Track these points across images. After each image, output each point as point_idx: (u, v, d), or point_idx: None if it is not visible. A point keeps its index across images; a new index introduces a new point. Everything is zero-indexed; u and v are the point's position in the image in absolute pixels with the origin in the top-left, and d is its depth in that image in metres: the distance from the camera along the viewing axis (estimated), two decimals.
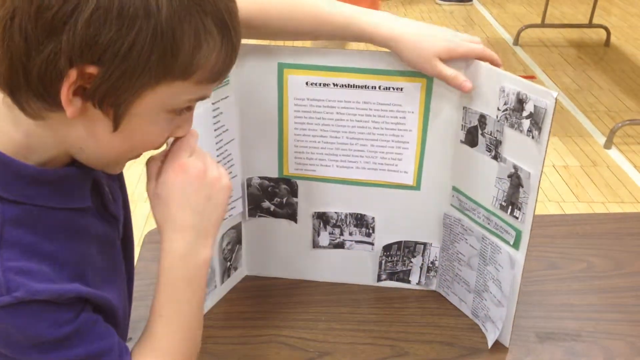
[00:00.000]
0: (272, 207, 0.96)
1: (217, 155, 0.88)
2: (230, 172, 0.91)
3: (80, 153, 0.60)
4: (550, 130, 0.75)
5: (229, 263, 0.97)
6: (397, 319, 0.94)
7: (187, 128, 0.65)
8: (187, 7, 0.53)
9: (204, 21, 0.54)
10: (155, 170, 0.65)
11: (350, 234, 0.97)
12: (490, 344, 0.89)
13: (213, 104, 0.84)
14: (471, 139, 0.85)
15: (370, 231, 0.96)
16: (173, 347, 0.65)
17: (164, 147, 0.66)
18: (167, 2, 0.51)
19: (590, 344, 0.90)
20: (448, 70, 0.79)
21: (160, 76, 0.54)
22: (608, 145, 2.91)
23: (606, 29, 4.13)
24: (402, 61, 0.81)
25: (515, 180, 0.80)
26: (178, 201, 0.64)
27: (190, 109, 0.62)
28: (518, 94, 0.76)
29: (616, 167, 2.77)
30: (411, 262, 0.98)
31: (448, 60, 0.80)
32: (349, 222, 0.96)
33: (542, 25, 4.19)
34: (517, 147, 0.79)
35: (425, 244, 0.96)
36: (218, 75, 0.59)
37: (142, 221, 2.20)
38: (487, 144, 0.83)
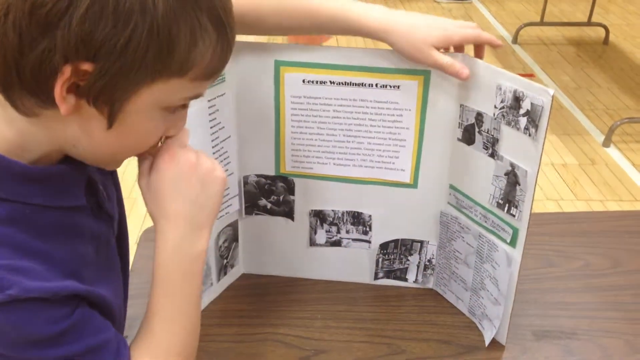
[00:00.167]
0: (269, 205, 0.96)
1: (214, 153, 0.87)
2: (227, 170, 0.91)
3: (74, 149, 0.59)
4: (547, 128, 0.74)
5: (225, 261, 0.97)
6: (394, 317, 0.94)
7: (181, 126, 0.64)
8: (183, 4, 0.52)
9: (199, 18, 0.54)
10: (147, 164, 0.65)
11: (347, 232, 0.97)
12: (487, 342, 0.89)
13: (209, 101, 0.84)
14: (468, 136, 0.85)
15: (367, 229, 0.96)
16: (171, 342, 0.65)
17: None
18: None
19: (586, 342, 0.90)
20: (444, 59, 0.79)
21: (156, 73, 0.54)
22: (606, 143, 2.91)
23: (605, 27, 4.12)
24: (397, 52, 0.80)
25: (512, 178, 0.80)
26: (170, 192, 0.64)
27: (184, 106, 0.62)
28: (515, 91, 0.76)
29: (615, 166, 2.77)
30: (408, 260, 0.98)
31: (444, 48, 0.79)
32: (346, 220, 0.96)
33: (541, 23, 4.19)
34: (514, 144, 0.79)
35: (422, 242, 0.96)
36: (213, 72, 0.59)
37: (140, 220, 2.20)
38: (484, 142, 0.83)
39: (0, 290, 0.52)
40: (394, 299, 0.98)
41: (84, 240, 0.63)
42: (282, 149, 0.91)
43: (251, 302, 0.97)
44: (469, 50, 0.84)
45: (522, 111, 0.76)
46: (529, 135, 0.76)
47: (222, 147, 0.89)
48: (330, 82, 0.85)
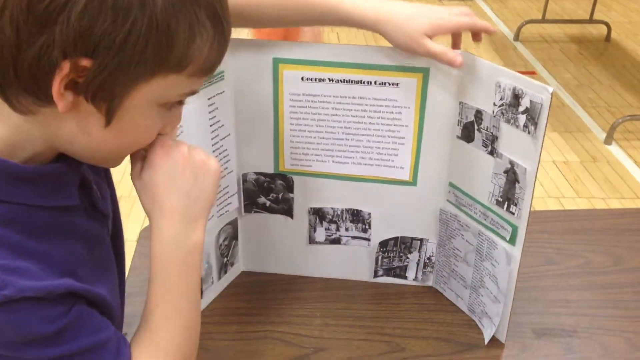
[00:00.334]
0: (268, 203, 0.96)
1: (213, 151, 0.87)
2: (226, 168, 0.91)
3: (69, 148, 0.59)
4: (547, 126, 0.74)
5: (225, 259, 0.97)
6: (393, 315, 0.94)
7: (177, 123, 0.64)
8: None
9: (197, 13, 0.53)
10: (139, 158, 0.65)
11: (347, 229, 0.96)
12: (486, 340, 0.89)
13: (208, 99, 0.84)
14: (467, 134, 0.84)
15: (367, 227, 0.96)
16: (171, 338, 0.64)
17: None
18: None
19: (587, 339, 0.90)
20: (436, 47, 0.78)
21: (155, 69, 0.53)
22: (608, 140, 2.90)
23: (607, 24, 4.11)
24: (391, 43, 0.80)
25: (512, 176, 0.80)
26: (163, 185, 0.63)
27: (181, 103, 0.62)
28: (514, 89, 0.76)
29: (616, 163, 2.77)
30: (407, 257, 0.98)
31: (437, 36, 0.79)
32: (345, 217, 0.95)
33: (543, 20, 4.19)
34: (513, 142, 0.79)
35: (421, 240, 0.96)
36: (210, 68, 0.59)
37: (140, 219, 2.20)
38: (483, 140, 0.82)
39: None
40: (393, 297, 0.98)
41: (78, 240, 0.62)
42: (281, 147, 0.91)
43: (251, 300, 0.97)
44: (469, 49, 0.83)
45: (521, 109, 0.76)
46: (528, 132, 0.76)
47: (222, 145, 0.89)
48: (329, 79, 0.85)
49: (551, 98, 0.73)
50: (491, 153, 0.82)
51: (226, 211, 0.93)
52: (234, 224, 0.96)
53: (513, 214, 0.81)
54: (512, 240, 0.83)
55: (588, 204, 2.48)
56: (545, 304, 0.96)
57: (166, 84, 0.55)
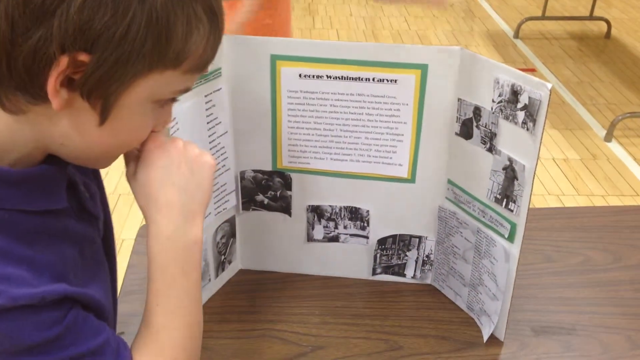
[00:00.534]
0: (266, 201, 0.96)
1: (210, 148, 0.87)
2: (224, 165, 0.91)
3: (61, 149, 0.57)
4: (545, 122, 0.74)
5: (223, 257, 0.96)
6: (392, 313, 0.94)
7: (169, 120, 0.64)
8: None
9: (194, 8, 0.53)
10: (133, 157, 0.64)
11: (345, 227, 0.96)
12: (485, 337, 0.88)
13: (205, 96, 0.84)
14: (466, 131, 0.84)
15: (365, 224, 0.95)
16: (174, 337, 0.63)
17: None
18: None
19: (586, 337, 0.90)
20: None
21: (153, 64, 0.53)
22: (608, 138, 2.90)
23: (607, 21, 4.11)
24: None
25: (510, 173, 0.79)
26: (159, 180, 0.63)
27: (173, 100, 0.61)
28: (513, 85, 0.76)
29: (616, 160, 2.76)
30: (406, 255, 0.97)
31: None
32: (344, 215, 0.95)
33: (543, 17, 4.18)
34: (511, 139, 0.78)
35: (420, 237, 0.96)
36: (205, 63, 0.58)
37: (138, 218, 2.20)
38: (482, 136, 0.82)
39: None
40: (391, 295, 0.97)
41: (68, 243, 0.61)
42: (278, 144, 0.90)
43: (249, 298, 0.96)
44: (469, 46, 0.83)
45: (520, 105, 0.76)
46: (527, 129, 0.76)
47: (219, 143, 0.88)
48: (327, 76, 0.85)
49: (550, 94, 0.72)
50: (490, 150, 0.81)
51: (224, 209, 0.93)
52: (231, 221, 0.96)
53: (512, 211, 0.81)
54: (510, 238, 0.83)
55: (588, 201, 2.48)
56: (544, 301, 0.96)
57: (162, 81, 0.55)
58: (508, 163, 0.79)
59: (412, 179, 0.90)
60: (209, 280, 0.94)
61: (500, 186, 0.81)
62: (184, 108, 0.80)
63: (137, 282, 0.95)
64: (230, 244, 0.97)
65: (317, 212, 0.95)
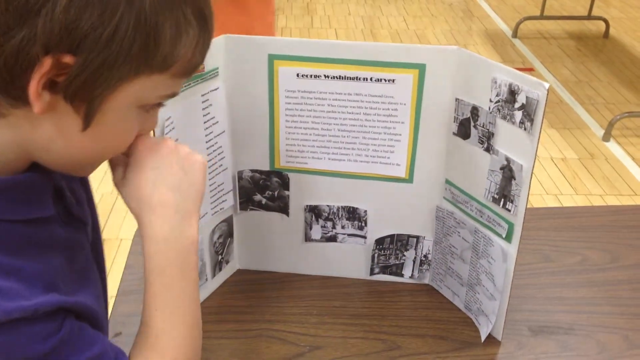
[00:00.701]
0: (264, 201, 0.95)
1: (207, 148, 0.87)
2: (221, 165, 0.90)
3: (44, 155, 0.55)
4: (543, 122, 0.74)
5: (220, 256, 0.96)
6: (390, 313, 0.94)
7: (154, 126, 0.62)
8: None
9: (184, 10, 0.52)
10: (120, 159, 0.62)
11: (343, 227, 0.96)
12: (483, 337, 0.88)
13: (202, 95, 0.83)
14: (464, 131, 0.84)
15: (363, 224, 0.95)
16: (176, 341, 0.62)
17: None
18: None
19: (583, 337, 0.90)
20: None
21: (140, 68, 0.51)
22: (606, 137, 2.90)
23: (605, 20, 4.11)
24: None
25: (508, 173, 0.79)
26: (152, 181, 0.61)
27: (159, 105, 0.59)
28: (510, 85, 0.76)
29: (614, 160, 2.76)
30: (404, 255, 0.97)
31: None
32: (341, 215, 0.95)
33: (541, 17, 4.18)
34: (509, 139, 0.78)
35: (418, 237, 0.95)
36: (193, 68, 0.57)
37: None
38: (479, 136, 0.82)
39: None
40: (389, 295, 0.97)
41: (57, 251, 0.59)
42: (276, 144, 0.90)
43: (246, 298, 0.96)
44: (467, 46, 0.83)
45: (517, 105, 0.76)
46: (524, 129, 0.76)
47: (216, 142, 0.88)
48: (325, 76, 0.85)
49: (547, 94, 0.72)
50: (487, 150, 0.81)
51: (221, 209, 0.93)
52: (229, 221, 0.96)
53: (509, 211, 0.81)
54: (508, 238, 0.82)
55: (586, 201, 2.48)
56: (542, 301, 0.96)
57: (149, 85, 0.53)
58: (505, 163, 0.79)
59: (409, 179, 0.90)
60: (206, 280, 0.94)
61: (497, 186, 0.81)
62: (181, 107, 0.80)
63: (135, 282, 0.95)
64: (227, 243, 0.97)
65: (314, 212, 0.95)
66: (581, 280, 1.00)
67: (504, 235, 0.83)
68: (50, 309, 0.53)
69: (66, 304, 0.55)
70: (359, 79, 0.84)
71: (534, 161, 0.76)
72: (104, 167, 0.64)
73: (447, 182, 0.89)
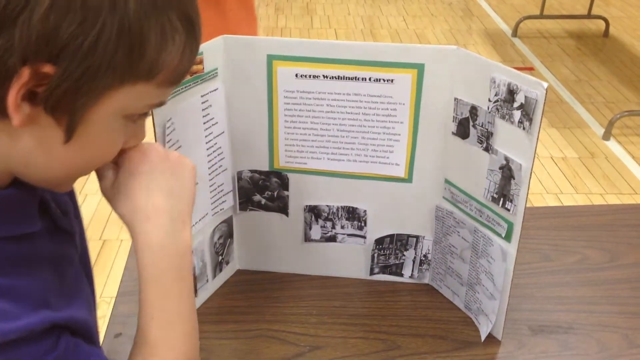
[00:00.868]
0: (264, 201, 0.96)
1: (207, 149, 0.87)
2: (221, 166, 0.91)
3: (26, 170, 0.53)
4: (542, 122, 0.74)
5: (220, 257, 0.96)
6: (390, 313, 0.94)
7: (142, 137, 0.60)
8: (154, 0, 0.48)
9: (170, 16, 0.50)
10: (108, 168, 0.61)
11: (342, 227, 0.96)
12: (483, 337, 0.88)
13: (202, 96, 0.83)
14: (463, 130, 0.84)
15: (362, 224, 0.95)
16: (174, 349, 0.61)
17: None
18: None
19: (583, 336, 0.90)
20: None
21: (124, 77, 0.49)
22: (606, 136, 2.90)
23: (605, 19, 4.11)
24: None
25: (507, 172, 0.80)
26: (144, 187, 0.59)
27: (145, 115, 0.57)
28: (509, 84, 0.76)
29: (615, 159, 2.76)
30: (404, 255, 0.97)
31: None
32: (341, 215, 0.95)
33: (541, 16, 4.18)
34: (508, 138, 0.78)
35: (417, 237, 0.96)
36: (180, 76, 0.54)
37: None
38: (478, 136, 0.82)
39: None
40: (389, 295, 0.97)
41: (45, 266, 0.57)
42: (275, 144, 0.90)
43: (246, 299, 0.96)
44: (467, 45, 0.83)
45: (516, 104, 0.76)
46: (523, 128, 0.76)
47: (216, 143, 0.88)
48: (324, 76, 0.85)
49: (545, 94, 0.72)
50: (486, 149, 0.81)
51: (221, 209, 0.93)
52: (229, 222, 0.96)
53: (508, 210, 0.81)
54: (507, 237, 0.83)
55: (586, 200, 2.48)
56: (542, 300, 0.96)
57: (134, 94, 0.51)
58: (504, 162, 0.79)
59: (409, 179, 0.90)
60: (207, 281, 0.94)
61: (497, 185, 0.82)
62: (181, 108, 0.80)
63: (133, 284, 0.95)
64: (227, 244, 0.97)
65: (314, 212, 0.95)
66: (581, 279, 1.01)
67: (503, 235, 0.83)
68: (45, 327, 0.52)
69: (60, 320, 0.54)
70: (358, 79, 0.84)
71: (533, 160, 0.76)
72: (67, 191, 0.62)
73: (447, 181, 0.89)
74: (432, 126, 0.86)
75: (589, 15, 4.17)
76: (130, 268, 0.99)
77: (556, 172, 2.65)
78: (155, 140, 0.78)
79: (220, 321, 0.92)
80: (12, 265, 0.53)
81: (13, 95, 0.46)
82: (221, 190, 0.92)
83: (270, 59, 0.85)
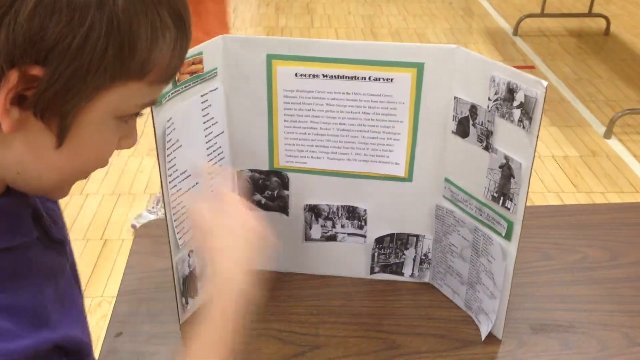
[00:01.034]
0: (264, 200, 0.95)
1: (207, 148, 0.87)
2: (221, 166, 0.90)
3: (18, 178, 0.51)
4: (541, 120, 0.74)
5: None
6: (390, 312, 0.94)
7: (135, 138, 0.58)
8: None
9: (160, 13, 0.48)
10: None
11: (342, 226, 0.96)
12: (483, 336, 0.88)
13: (202, 96, 0.83)
14: (462, 129, 0.84)
15: (362, 223, 0.95)
16: None
17: None
18: None
19: (584, 334, 0.90)
20: None
21: (115, 77, 0.48)
22: (608, 135, 2.90)
23: (606, 18, 4.10)
24: None
25: (507, 171, 0.79)
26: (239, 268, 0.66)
27: (137, 115, 0.56)
28: (509, 83, 0.76)
29: (616, 157, 2.76)
30: (404, 254, 0.97)
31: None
32: (341, 214, 0.95)
33: (542, 14, 4.17)
34: (508, 137, 0.78)
35: (417, 236, 0.95)
36: (171, 73, 0.54)
37: (123, 217, 2.20)
38: (478, 135, 0.82)
39: None
40: (389, 294, 0.97)
41: (41, 277, 0.56)
42: (275, 144, 0.90)
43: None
44: (468, 44, 0.83)
45: (516, 103, 0.75)
46: (523, 127, 0.76)
47: (216, 142, 0.88)
48: (323, 75, 0.85)
49: (545, 92, 0.72)
50: (486, 148, 0.81)
51: None
52: None
53: (508, 209, 0.81)
54: (507, 236, 0.82)
55: (587, 198, 2.47)
56: (542, 299, 0.96)
57: (125, 94, 0.50)
58: (504, 161, 0.79)
59: (409, 178, 0.90)
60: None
61: (497, 184, 0.81)
62: (180, 108, 0.80)
63: (136, 283, 0.95)
64: None
65: (314, 211, 0.95)
66: (581, 278, 1.00)
67: (503, 234, 0.83)
68: (49, 346, 0.51)
69: (59, 341, 0.53)
70: (358, 78, 0.84)
71: (533, 159, 0.76)
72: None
73: (447, 180, 0.89)
74: (432, 125, 0.86)
75: (589, 14, 4.17)
76: (132, 267, 0.99)
77: (557, 171, 2.64)
78: (156, 140, 0.78)
79: None
80: (9, 279, 0.52)
81: (1, 100, 0.45)
82: None
83: (270, 58, 0.84)
